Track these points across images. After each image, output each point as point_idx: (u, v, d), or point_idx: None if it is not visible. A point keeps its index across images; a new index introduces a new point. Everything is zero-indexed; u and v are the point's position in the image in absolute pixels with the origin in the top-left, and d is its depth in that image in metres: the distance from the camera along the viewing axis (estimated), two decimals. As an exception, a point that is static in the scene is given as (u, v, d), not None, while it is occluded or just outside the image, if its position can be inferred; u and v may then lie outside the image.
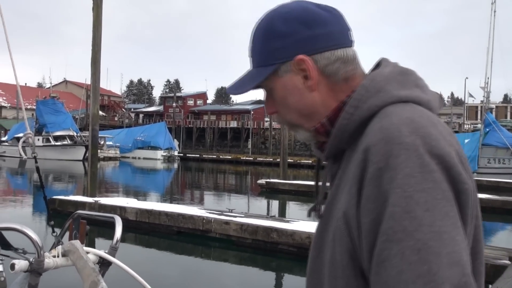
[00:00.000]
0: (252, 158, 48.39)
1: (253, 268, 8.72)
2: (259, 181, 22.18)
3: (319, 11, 1.00)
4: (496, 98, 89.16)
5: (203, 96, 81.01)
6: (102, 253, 1.87)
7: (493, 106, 55.26)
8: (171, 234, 10.26)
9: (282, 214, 14.94)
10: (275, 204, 17.98)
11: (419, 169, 0.79)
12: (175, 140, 56.78)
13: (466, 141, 32.12)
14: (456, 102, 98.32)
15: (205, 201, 18.75)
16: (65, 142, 43.58)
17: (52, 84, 73.39)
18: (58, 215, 11.82)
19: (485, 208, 15.62)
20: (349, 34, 1.03)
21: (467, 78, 58.87)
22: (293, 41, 0.99)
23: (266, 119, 64.42)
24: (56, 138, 43.90)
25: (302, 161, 43.76)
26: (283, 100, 1.03)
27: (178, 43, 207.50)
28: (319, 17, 0.99)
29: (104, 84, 79.75)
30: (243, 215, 10.45)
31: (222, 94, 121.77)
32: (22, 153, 3.32)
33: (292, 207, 17.51)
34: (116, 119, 76.00)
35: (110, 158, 45.39)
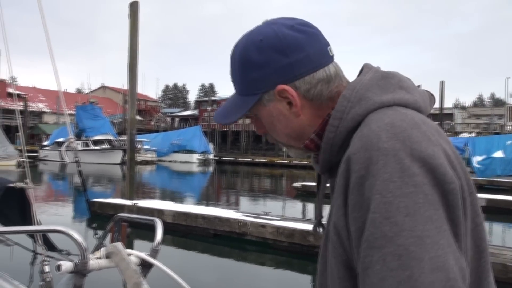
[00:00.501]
0: (287, 161, 48.21)
1: (290, 272, 8.68)
2: (295, 184, 22.10)
3: (293, 35, 0.97)
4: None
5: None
6: (144, 255, 1.90)
7: (536, 106, 53.39)
8: (208, 236, 10.34)
9: (318, 217, 14.81)
10: (310, 207, 17.86)
11: (399, 174, 0.77)
12: (210, 143, 57.23)
13: (508, 142, 31.11)
14: (497, 103, 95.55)
15: (240, 204, 18.81)
16: (104, 146, 44.49)
17: (91, 90, 75.47)
18: (97, 217, 12.09)
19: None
20: (328, 49, 1.00)
21: (508, 78, 57.27)
22: (271, 71, 0.97)
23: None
24: (95, 143, 44.90)
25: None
26: (270, 125, 1.04)
27: (213, 47, 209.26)
28: (294, 42, 0.96)
29: (140, 89, 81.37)
30: (279, 218, 10.43)
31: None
32: (65, 157, 3.41)
33: (328, 210, 17.33)
34: (152, 123, 77.17)
35: (147, 162, 46.10)
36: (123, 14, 13.73)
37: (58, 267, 1.66)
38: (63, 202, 18.18)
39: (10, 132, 52.80)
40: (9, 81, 62.08)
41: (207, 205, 16.46)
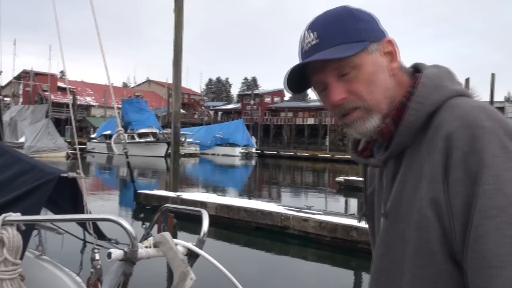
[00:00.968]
0: (329, 155, 47.90)
1: (332, 267, 8.64)
2: (337, 179, 21.93)
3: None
4: None
5: (280, 93, 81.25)
6: (190, 245, 1.93)
7: None
8: (250, 229, 10.41)
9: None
10: (353, 202, 17.67)
11: (502, 150, 0.85)
12: (253, 137, 57.49)
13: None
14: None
15: (282, 198, 18.81)
16: (149, 139, 45.41)
17: (136, 84, 76.98)
18: (142, 208, 12.38)
19: None
20: None
21: None
22: (375, 27, 1.04)
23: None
24: (140, 135, 45.85)
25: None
26: (372, 76, 1.02)
27: (256, 41, 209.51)
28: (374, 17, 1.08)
29: (184, 83, 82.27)
30: (321, 213, 10.38)
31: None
32: (115, 149, 3.52)
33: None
34: (195, 116, 78.13)
35: (190, 155, 46.79)
36: (169, 9, 13.93)
37: (109, 255, 1.71)
38: (109, 192, 18.70)
39: (60, 125, 54.70)
40: (60, 76, 64.22)
41: (249, 198, 16.57)
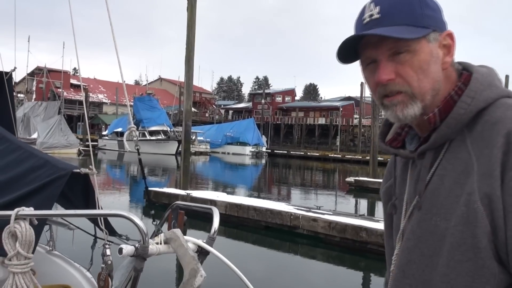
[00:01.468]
0: (340, 156, 47.74)
1: (341, 267, 8.61)
2: (348, 179, 21.87)
3: None
4: None
5: (291, 92, 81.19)
6: (201, 242, 1.94)
7: None
8: (259, 228, 10.41)
9: (371, 213, 14.60)
10: (363, 203, 17.62)
11: None
12: (263, 136, 57.45)
13: None
14: None
15: (292, 198, 18.80)
16: (160, 137, 45.57)
17: (148, 82, 77.32)
18: (153, 205, 12.44)
19: None
20: None
21: None
22: (439, 17, 1.04)
23: (356, 116, 63.22)
24: (151, 133, 46.03)
25: (392, 159, 42.35)
26: (425, 64, 1.01)
27: (267, 40, 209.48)
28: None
29: (196, 81, 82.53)
30: (331, 213, 10.36)
31: (310, 91, 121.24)
32: (127, 146, 3.53)
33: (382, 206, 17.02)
34: (207, 115, 78.29)
35: (201, 153, 46.90)
36: (181, 7, 13.96)
37: (120, 250, 1.72)
38: (120, 189, 18.81)
39: (72, 122, 55.10)
40: (73, 73, 64.64)
41: (258, 197, 16.56)
